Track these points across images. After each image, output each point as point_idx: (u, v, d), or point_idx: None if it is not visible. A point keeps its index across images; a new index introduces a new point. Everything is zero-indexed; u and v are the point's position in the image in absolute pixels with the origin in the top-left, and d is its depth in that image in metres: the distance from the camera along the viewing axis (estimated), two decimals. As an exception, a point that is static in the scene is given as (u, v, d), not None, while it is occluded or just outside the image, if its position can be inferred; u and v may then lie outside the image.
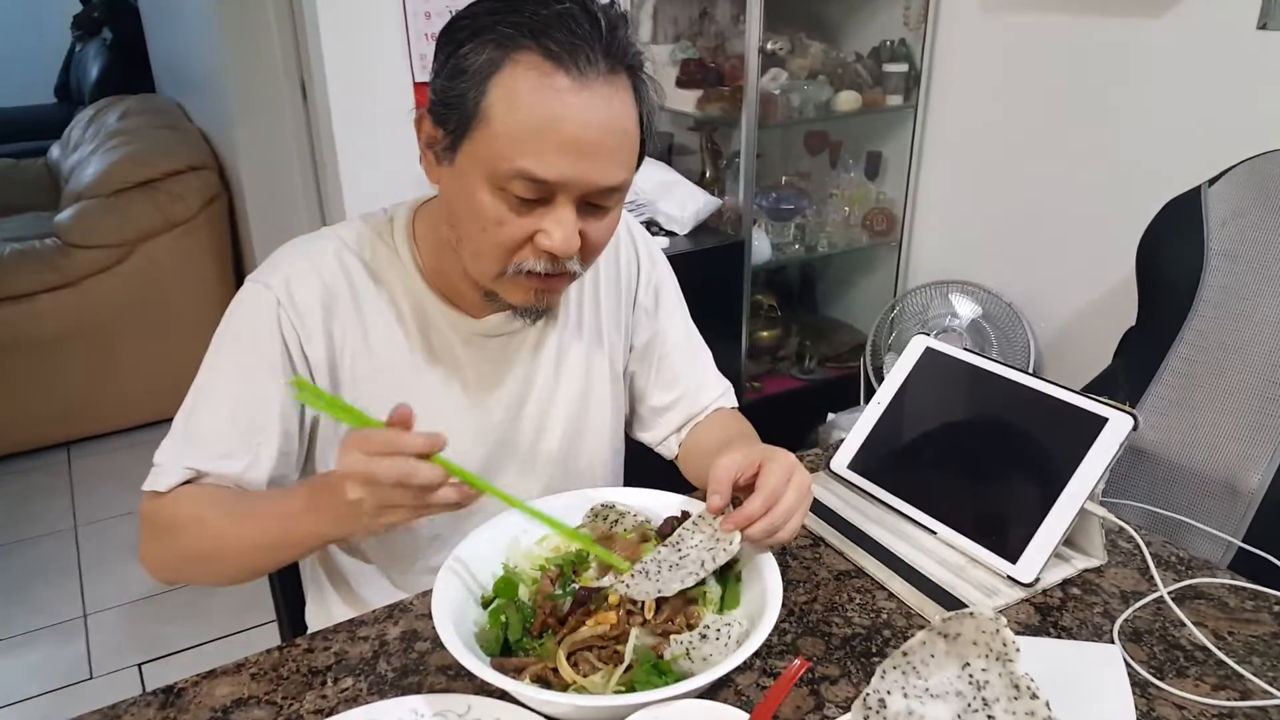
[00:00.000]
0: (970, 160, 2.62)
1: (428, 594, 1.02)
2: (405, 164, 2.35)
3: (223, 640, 2.42)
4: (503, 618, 0.91)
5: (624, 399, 1.29)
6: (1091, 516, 1.04)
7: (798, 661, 0.78)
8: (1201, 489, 1.49)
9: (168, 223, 3.24)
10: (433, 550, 1.17)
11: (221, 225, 3.43)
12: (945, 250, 2.77)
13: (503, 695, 0.85)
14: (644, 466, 1.33)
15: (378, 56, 2.32)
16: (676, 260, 1.31)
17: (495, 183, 0.92)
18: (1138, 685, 0.89)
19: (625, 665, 0.86)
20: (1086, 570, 1.07)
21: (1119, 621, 0.98)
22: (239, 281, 1.08)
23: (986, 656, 0.71)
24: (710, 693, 0.88)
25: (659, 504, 1.06)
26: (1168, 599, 0.99)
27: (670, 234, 2.52)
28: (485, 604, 0.95)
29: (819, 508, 1.19)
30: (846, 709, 0.87)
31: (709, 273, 2.52)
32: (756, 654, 0.85)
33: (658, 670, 0.85)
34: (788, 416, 2.81)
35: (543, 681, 0.85)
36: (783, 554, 0.91)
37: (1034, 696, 0.69)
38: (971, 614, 0.71)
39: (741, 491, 0.96)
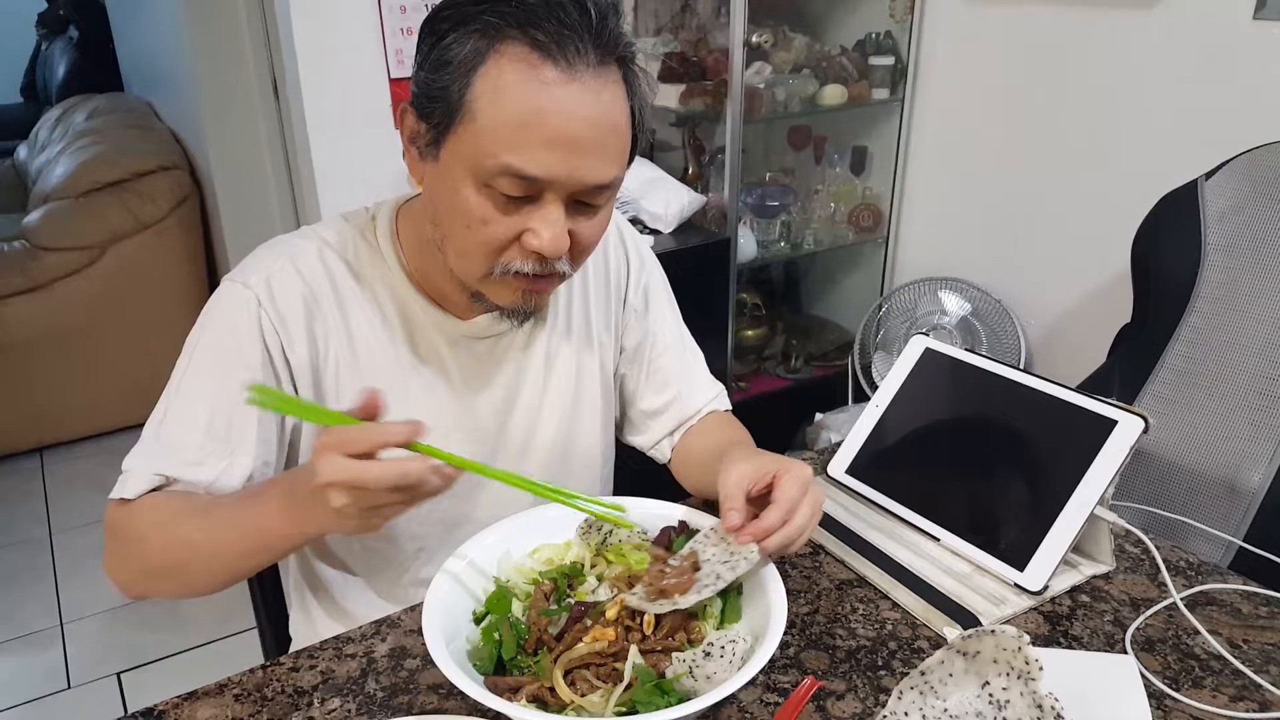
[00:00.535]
0: (958, 154, 2.60)
1: (416, 608, 0.98)
2: (382, 162, 2.36)
3: (203, 648, 2.39)
4: (496, 634, 0.88)
5: (614, 402, 1.25)
6: (1100, 521, 1.01)
7: (808, 681, 0.75)
8: (1200, 488, 1.47)
9: (138, 224, 3.19)
10: (419, 563, 1.14)
11: (193, 226, 3.39)
12: (933, 246, 2.75)
13: (497, 715, 0.81)
14: (632, 470, 1.30)
15: (352, 52, 2.28)
16: (661, 259, 1.28)
17: (480, 179, 0.88)
18: (1153, 696, 0.87)
19: (625, 684, 0.83)
20: (1095, 577, 1.04)
21: (1131, 630, 0.95)
22: (212, 283, 1.04)
23: (1007, 675, 0.68)
24: (713, 711, 0.84)
25: (654, 514, 1.03)
26: (1181, 606, 0.97)
27: (654, 232, 2.49)
28: (477, 620, 0.92)
29: (817, 514, 1.15)
30: (854, 726, 0.84)
31: (694, 272, 2.48)
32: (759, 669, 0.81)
33: (660, 690, 0.81)
34: (775, 417, 2.79)
35: (539, 702, 0.82)
36: (782, 562, 0.88)
37: (1059, 717, 0.66)
38: (992, 631, 0.68)
39: (751, 503, 0.93)
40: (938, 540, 1.09)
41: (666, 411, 1.25)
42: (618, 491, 1.26)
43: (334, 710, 0.88)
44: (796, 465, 0.93)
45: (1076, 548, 1.03)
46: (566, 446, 1.18)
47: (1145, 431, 0.99)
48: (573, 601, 0.91)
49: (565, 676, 0.83)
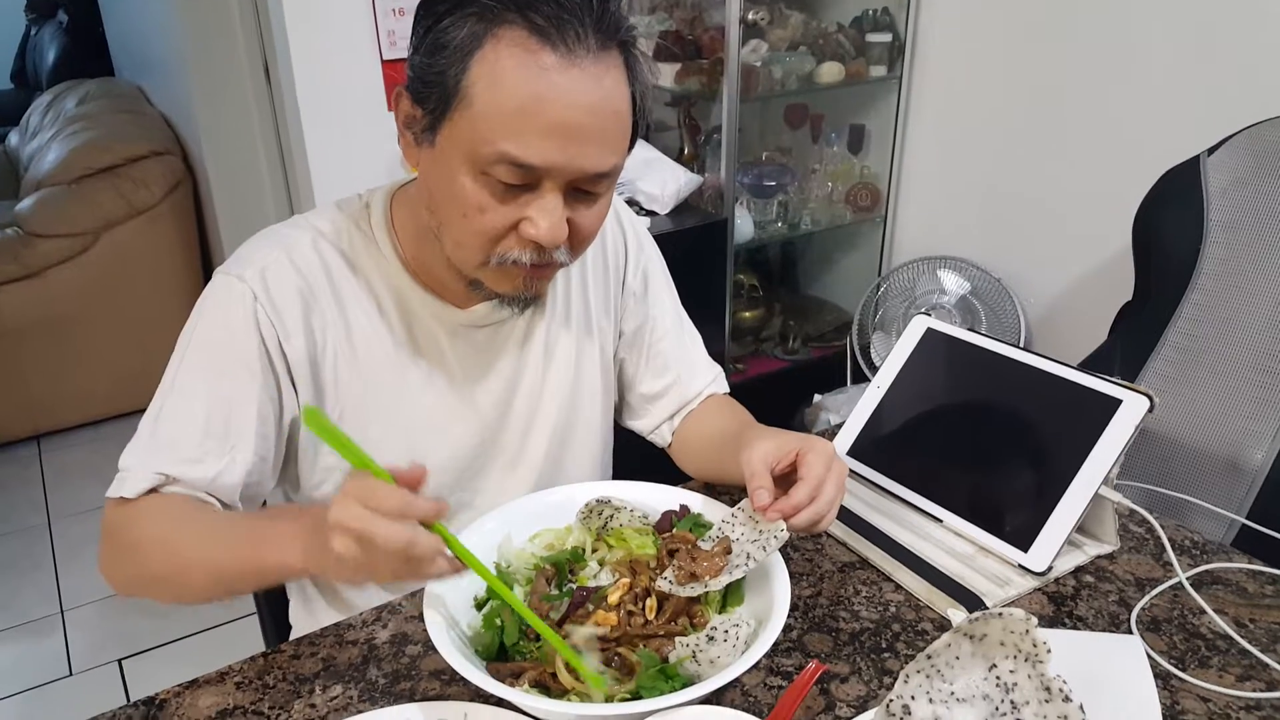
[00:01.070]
0: (956, 132, 2.58)
1: (417, 595, 0.98)
2: (376, 146, 2.34)
3: (204, 635, 2.39)
4: (498, 620, 0.87)
5: (613, 387, 1.24)
6: (1105, 501, 1.01)
7: (813, 665, 0.75)
8: (1202, 466, 1.47)
9: (131, 210, 3.17)
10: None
11: (187, 212, 3.36)
12: (931, 225, 2.74)
13: (500, 700, 0.80)
14: (630, 455, 1.29)
15: (344, 34, 2.26)
16: (657, 241, 1.27)
17: (477, 167, 0.86)
18: (1159, 677, 0.86)
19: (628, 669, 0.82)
20: (1099, 557, 1.03)
21: (1136, 610, 0.95)
22: (206, 268, 1.02)
23: (1014, 658, 0.67)
24: (716, 695, 0.84)
25: (654, 498, 1.02)
26: (1187, 585, 0.96)
27: (651, 214, 2.47)
28: (479, 605, 0.91)
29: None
30: (859, 708, 0.84)
31: (691, 253, 2.47)
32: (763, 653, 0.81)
33: (663, 674, 0.81)
34: (773, 398, 2.77)
35: (541, 687, 0.82)
36: (783, 545, 0.87)
37: (1066, 700, 0.65)
38: (999, 614, 0.67)
39: (774, 482, 0.92)
40: (940, 522, 1.09)
41: (666, 395, 1.24)
42: (617, 476, 1.25)
43: (336, 697, 0.87)
44: (819, 441, 0.92)
45: (1080, 528, 1.02)
46: (566, 433, 1.17)
47: (1150, 411, 0.98)
48: (574, 586, 0.90)
49: (567, 663, 0.83)
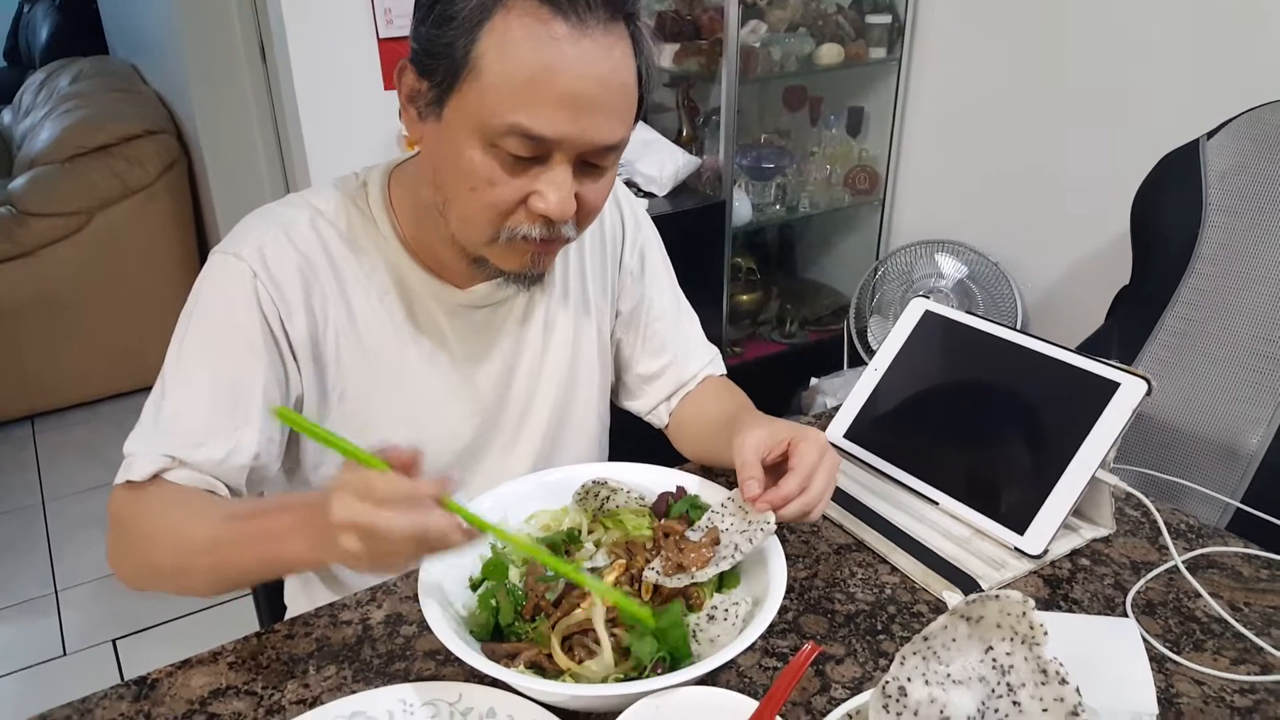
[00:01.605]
0: (956, 115, 2.57)
1: (411, 575, 0.97)
2: (372, 125, 2.33)
3: (197, 615, 2.39)
4: (493, 601, 0.87)
5: (610, 368, 1.24)
6: (1101, 485, 1.01)
7: (809, 646, 0.74)
8: (1198, 450, 1.47)
9: (126, 189, 3.15)
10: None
11: (182, 191, 3.35)
12: (930, 209, 2.73)
13: (495, 681, 0.80)
14: (627, 437, 1.29)
15: (340, 12, 2.24)
16: (655, 223, 1.26)
17: (486, 139, 0.85)
18: (1154, 660, 0.86)
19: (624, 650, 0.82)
20: (1095, 540, 1.03)
21: (1131, 593, 0.95)
22: (201, 249, 1.01)
23: (1011, 640, 0.67)
24: (710, 676, 0.84)
25: (651, 479, 1.02)
26: (1182, 569, 0.96)
27: (649, 195, 2.46)
28: (474, 586, 0.91)
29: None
30: (854, 689, 0.84)
31: (689, 235, 2.46)
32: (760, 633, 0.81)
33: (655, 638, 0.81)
34: (770, 381, 2.78)
35: (537, 669, 0.81)
36: (780, 527, 0.87)
37: (1063, 682, 0.65)
38: (996, 596, 0.67)
39: (765, 471, 0.91)
40: (936, 504, 1.09)
41: (663, 376, 1.23)
42: (614, 458, 1.25)
43: (330, 677, 0.87)
44: (812, 431, 0.92)
45: (1076, 511, 1.02)
46: (564, 413, 1.17)
47: (1148, 394, 0.98)
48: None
49: (563, 643, 0.82)
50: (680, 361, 1.23)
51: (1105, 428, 0.99)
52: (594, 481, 0.99)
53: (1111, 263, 2.13)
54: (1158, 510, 1.02)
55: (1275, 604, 0.94)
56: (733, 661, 0.86)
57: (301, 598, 1.19)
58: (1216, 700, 0.82)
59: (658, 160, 2.44)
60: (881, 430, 1.19)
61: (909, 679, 0.69)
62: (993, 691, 0.67)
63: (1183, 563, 0.98)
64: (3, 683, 2.20)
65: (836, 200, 2.81)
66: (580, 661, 0.81)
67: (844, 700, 0.82)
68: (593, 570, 0.89)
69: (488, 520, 0.77)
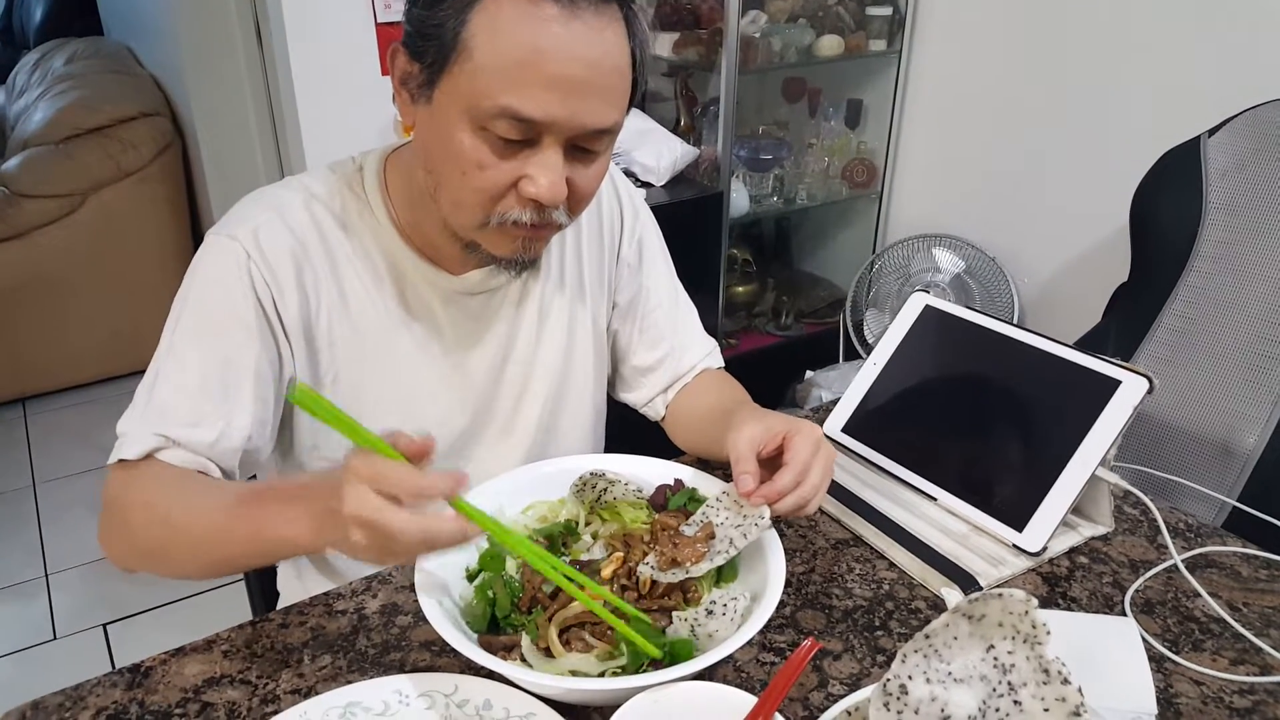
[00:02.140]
0: (955, 109, 2.56)
1: (407, 564, 0.96)
2: (369, 109, 2.31)
3: (189, 600, 2.38)
4: (490, 592, 0.86)
5: (606, 358, 1.23)
6: (1100, 483, 1.00)
7: (808, 643, 0.74)
8: (1195, 449, 1.47)
9: (120, 171, 3.13)
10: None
11: (176, 174, 3.32)
12: (927, 202, 2.72)
13: (491, 673, 0.80)
14: (624, 430, 1.28)
15: (337, -4, 2.22)
16: (653, 213, 1.25)
17: (476, 122, 0.85)
18: (1153, 659, 0.86)
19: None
20: (1094, 538, 1.03)
21: (1130, 592, 0.95)
22: (195, 232, 1.00)
23: (1013, 639, 0.67)
24: (708, 671, 0.83)
25: (648, 471, 1.01)
26: (1181, 568, 0.96)
27: (646, 185, 2.45)
28: (470, 577, 0.90)
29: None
30: (852, 685, 0.84)
31: (686, 226, 2.45)
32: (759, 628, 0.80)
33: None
34: (765, 374, 2.77)
35: (534, 660, 0.81)
36: (777, 522, 0.86)
37: (1065, 682, 0.65)
38: (999, 594, 0.66)
39: (761, 465, 0.90)
40: (935, 500, 1.08)
41: (660, 368, 1.22)
42: (609, 449, 1.24)
43: (324, 667, 0.86)
44: (807, 425, 0.91)
45: (1075, 509, 1.02)
46: (558, 403, 1.16)
47: (1150, 392, 0.97)
48: (567, 559, 0.90)
49: (560, 635, 0.82)
50: (677, 354, 1.22)
51: (1106, 425, 0.98)
52: (592, 473, 0.99)
53: (1110, 259, 2.13)
54: (1157, 509, 1.02)
55: (1274, 604, 0.93)
56: (730, 656, 0.85)
57: (295, 584, 1.18)
58: (1215, 700, 0.82)
59: (655, 150, 2.43)
60: (880, 425, 1.18)
61: (910, 677, 0.68)
62: (994, 690, 0.67)
63: (1182, 562, 0.97)
64: (-7, 666, 2.19)
65: (834, 193, 2.80)
66: (578, 653, 0.81)
67: (841, 696, 0.81)
68: (589, 562, 0.88)
69: (490, 517, 0.77)
